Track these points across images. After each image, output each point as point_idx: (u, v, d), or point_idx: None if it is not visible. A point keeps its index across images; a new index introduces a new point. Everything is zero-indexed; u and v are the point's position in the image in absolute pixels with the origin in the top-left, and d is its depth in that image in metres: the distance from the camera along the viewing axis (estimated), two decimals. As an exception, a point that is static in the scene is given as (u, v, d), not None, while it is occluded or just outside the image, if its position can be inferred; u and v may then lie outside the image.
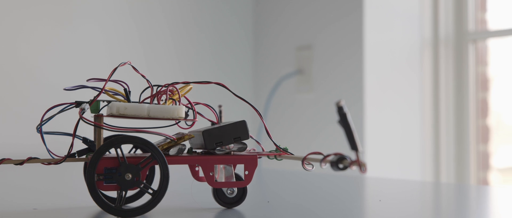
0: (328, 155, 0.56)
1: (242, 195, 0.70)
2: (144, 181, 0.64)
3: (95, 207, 0.70)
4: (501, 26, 2.03)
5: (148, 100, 0.68)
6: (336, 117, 1.87)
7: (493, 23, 2.05)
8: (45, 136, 0.67)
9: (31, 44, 1.98)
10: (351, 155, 0.58)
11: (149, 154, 0.64)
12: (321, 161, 0.57)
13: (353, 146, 0.50)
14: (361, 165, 0.50)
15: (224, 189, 0.69)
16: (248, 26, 2.37)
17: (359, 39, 1.99)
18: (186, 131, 0.71)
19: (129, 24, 2.14)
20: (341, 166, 0.54)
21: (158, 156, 0.64)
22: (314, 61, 2.14)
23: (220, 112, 0.75)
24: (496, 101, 2.04)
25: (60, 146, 0.75)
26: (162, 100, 0.68)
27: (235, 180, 0.69)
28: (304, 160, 0.61)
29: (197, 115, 0.70)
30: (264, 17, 2.34)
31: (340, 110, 0.50)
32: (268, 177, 1.13)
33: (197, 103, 0.71)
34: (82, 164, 0.72)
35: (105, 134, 0.68)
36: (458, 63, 2.05)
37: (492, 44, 2.06)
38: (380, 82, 2.01)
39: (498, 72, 2.05)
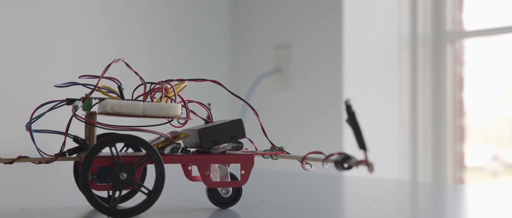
0: (331, 155, 0.55)
1: (237, 195, 0.69)
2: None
3: (85, 207, 0.68)
4: (477, 26, 2.05)
5: (141, 98, 0.67)
6: (314, 117, 1.86)
7: (469, 24, 2.06)
8: (35, 134, 0.65)
9: (15, 43, 1.96)
10: (347, 154, 0.57)
11: (145, 152, 0.62)
12: (324, 160, 0.56)
13: (362, 145, 0.49)
14: (369, 165, 0.49)
15: (219, 189, 0.68)
16: (225, 24, 2.35)
17: (338, 39, 1.98)
18: (179, 130, 0.70)
19: (104, 23, 2.11)
20: (346, 165, 0.53)
21: (154, 155, 0.62)
22: (292, 60, 2.14)
23: (209, 110, 0.74)
24: (469, 101, 2.06)
25: (49, 144, 0.73)
26: (155, 98, 0.67)
27: (230, 180, 0.68)
28: (303, 159, 0.60)
29: (191, 113, 0.69)
30: (242, 15, 2.33)
31: (349, 109, 0.49)
32: (259, 177, 1.12)
33: (190, 101, 0.70)
34: (72, 163, 0.70)
35: (97, 132, 0.66)
36: (436, 63, 2.06)
37: (468, 44, 2.07)
38: (358, 81, 2.01)
39: (473, 72, 2.07)
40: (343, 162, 0.53)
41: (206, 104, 0.73)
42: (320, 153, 0.59)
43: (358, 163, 0.51)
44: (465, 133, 2.05)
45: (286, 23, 2.17)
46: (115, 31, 2.13)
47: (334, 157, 0.54)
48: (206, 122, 0.72)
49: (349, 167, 0.53)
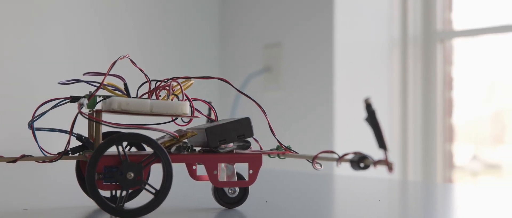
0: (345, 154, 0.54)
1: (243, 194, 0.68)
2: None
3: (88, 207, 0.67)
4: (466, 26, 2.05)
5: (146, 96, 0.65)
6: (305, 116, 1.84)
7: (458, 23, 2.07)
8: (37, 132, 0.64)
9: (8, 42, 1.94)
10: (362, 153, 0.56)
11: (152, 151, 0.61)
12: (338, 160, 0.55)
13: (382, 144, 0.48)
14: (389, 165, 0.48)
15: (226, 189, 0.67)
16: (214, 22, 2.34)
17: (329, 38, 1.98)
18: (183, 128, 0.68)
19: (93, 22, 2.09)
20: (362, 165, 0.52)
21: (161, 154, 0.61)
22: (282, 59, 2.13)
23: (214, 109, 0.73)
24: (458, 100, 2.06)
25: (47, 143, 0.71)
26: (160, 96, 0.66)
27: (237, 179, 0.67)
28: (315, 158, 0.59)
29: (196, 111, 0.67)
30: (231, 13, 2.32)
31: (369, 107, 0.48)
32: (262, 176, 1.11)
33: (195, 99, 0.68)
34: (73, 162, 0.69)
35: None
36: (426, 62, 2.06)
37: (457, 44, 2.07)
38: (349, 80, 2.01)
39: (461, 72, 2.08)
40: (359, 161, 0.52)
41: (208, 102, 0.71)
42: (332, 152, 0.58)
43: (376, 162, 0.50)
44: (454, 132, 2.06)
45: (276, 22, 2.16)
46: (103, 29, 2.11)
47: (349, 157, 0.53)
48: (211, 121, 0.71)
49: (366, 167, 0.52)
